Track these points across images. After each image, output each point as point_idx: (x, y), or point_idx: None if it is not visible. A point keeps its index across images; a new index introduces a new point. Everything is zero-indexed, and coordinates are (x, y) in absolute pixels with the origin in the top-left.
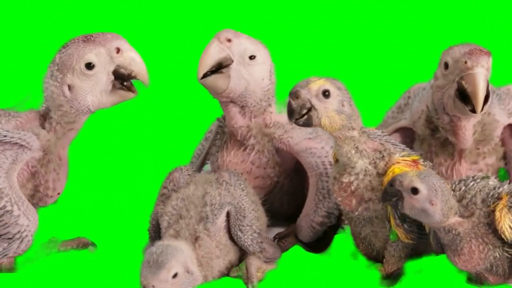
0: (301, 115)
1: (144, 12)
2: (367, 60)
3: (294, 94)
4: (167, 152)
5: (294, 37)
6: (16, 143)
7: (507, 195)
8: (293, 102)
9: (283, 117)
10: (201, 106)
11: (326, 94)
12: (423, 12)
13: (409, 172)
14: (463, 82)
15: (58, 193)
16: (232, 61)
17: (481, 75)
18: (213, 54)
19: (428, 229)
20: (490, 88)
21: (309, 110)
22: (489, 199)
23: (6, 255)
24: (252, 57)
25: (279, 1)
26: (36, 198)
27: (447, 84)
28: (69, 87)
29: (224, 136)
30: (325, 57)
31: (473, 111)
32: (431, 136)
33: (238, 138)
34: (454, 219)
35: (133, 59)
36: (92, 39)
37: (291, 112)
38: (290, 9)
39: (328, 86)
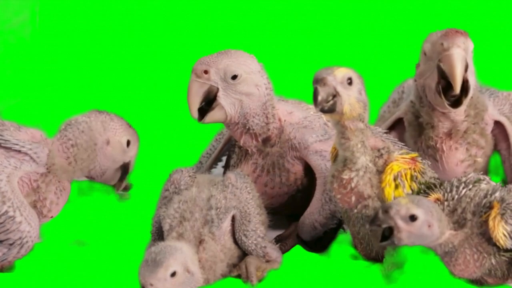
0: (327, 102)
1: (149, 10)
2: (360, 59)
3: (321, 81)
4: (168, 153)
5: (289, 37)
6: (26, 153)
7: (498, 203)
8: (320, 89)
9: (294, 116)
10: None
11: (349, 81)
12: (419, 12)
13: (401, 200)
14: (442, 65)
15: (52, 216)
16: (218, 89)
17: (457, 55)
18: (196, 92)
19: None
20: (486, 87)
21: (334, 97)
22: (481, 209)
23: (5, 259)
24: (234, 77)
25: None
26: None
27: (428, 71)
28: (108, 142)
29: (240, 152)
30: (321, 57)
31: (453, 106)
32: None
33: (249, 154)
34: (448, 233)
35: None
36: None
37: (317, 99)
38: (285, 10)
39: (351, 73)
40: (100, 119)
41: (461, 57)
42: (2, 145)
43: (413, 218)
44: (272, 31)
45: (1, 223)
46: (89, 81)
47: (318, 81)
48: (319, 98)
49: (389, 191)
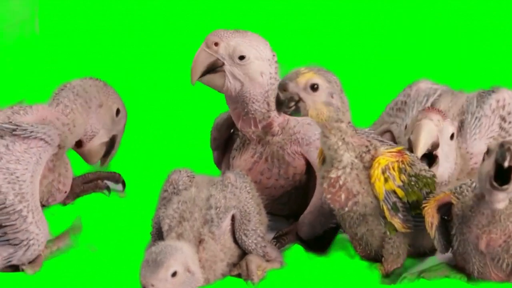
0: (289, 107)
1: (149, 10)
2: (366, 58)
3: (282, 87)
4: (167, 154)
5: (296, 34)
6: (42, 139)
7: None
8: (281, 95)
9: None
10: (201, 107)
11: (314, 87)
12: (423, 11)
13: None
14: (411, 137)
15: (65, 191)
16: (223, 63)
17: (426, 125)
18: (201, 61)
19: (434, 234)
20: (472, 106)
21: (298, 101)
22: None
23: (10, 261)
24: (242, 57)
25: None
26: (49, 193)
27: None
28: (101, 105)
29: (243, 136)
30: (326, 55)
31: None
32: None
33: (248, 140)
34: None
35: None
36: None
37: (279, 104)
38: (292, 7)
39: (316, 79)
40: (94, 83)
41: (429, 128)
42: (22, 135)
43: None
44: (278, 29)
45: (13, 221)
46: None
47: (280, 86)
48: (280, 103)
49: (380, 185)
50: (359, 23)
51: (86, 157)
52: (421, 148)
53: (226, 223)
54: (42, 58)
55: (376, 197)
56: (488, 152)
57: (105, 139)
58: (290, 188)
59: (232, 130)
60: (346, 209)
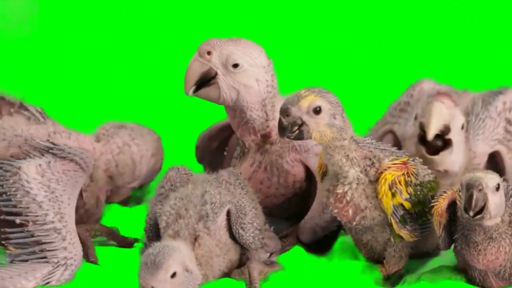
0: (292, 132)
1: (149, 9)
2: (365, 60)
3: (284, 112)
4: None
5: (293, 40)
6: (78, 163)
7: None
8: (283, 120)
9: None
10: (200, 106)
11: (317, 110)
12: (421, 12)
13: (479, 175)
14: (424, 120)
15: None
16: (216, 73)
17: (437, 106)
18: (194, 70)
19: (440, 232)
20: (477, 109)
21: (301, 125)
22: (510, 200)
23: (48, 281)
24: (235, 65)
25: (278, 3)
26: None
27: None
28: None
29: (244, 144)
30: (324, 58)
31: (431, 153)
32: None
33: (247, 149)
34: (498, 219)
35: None
36: None
37: (282, 129)
38: (289, 11)
39: (319, 102)
40: (150, 133)
41: (440, 109)
42: (58, 155)
43: (498, 187)
44: (279, 29)
45: (52, 238)
46: (88, 80)
47: (282, 111)
48: (283, 128)
49: (387, 201)
50: (362, 23)
51: (112, 193)
52: (433, 128)
53: (221, 218)
54: (42, 57)
55: (383, 211)
56: (461, 186)
57: (136, 184)
58: (291, 196)
59: (217, 144)
60: (354, 223)
